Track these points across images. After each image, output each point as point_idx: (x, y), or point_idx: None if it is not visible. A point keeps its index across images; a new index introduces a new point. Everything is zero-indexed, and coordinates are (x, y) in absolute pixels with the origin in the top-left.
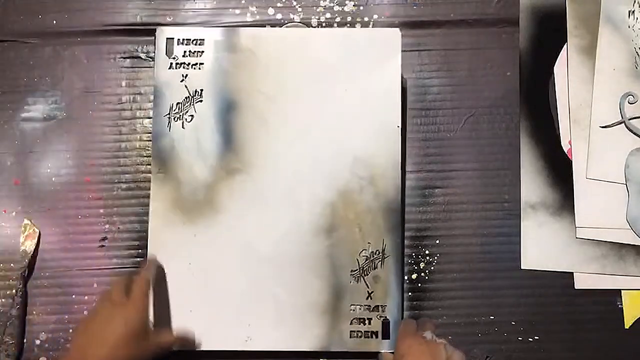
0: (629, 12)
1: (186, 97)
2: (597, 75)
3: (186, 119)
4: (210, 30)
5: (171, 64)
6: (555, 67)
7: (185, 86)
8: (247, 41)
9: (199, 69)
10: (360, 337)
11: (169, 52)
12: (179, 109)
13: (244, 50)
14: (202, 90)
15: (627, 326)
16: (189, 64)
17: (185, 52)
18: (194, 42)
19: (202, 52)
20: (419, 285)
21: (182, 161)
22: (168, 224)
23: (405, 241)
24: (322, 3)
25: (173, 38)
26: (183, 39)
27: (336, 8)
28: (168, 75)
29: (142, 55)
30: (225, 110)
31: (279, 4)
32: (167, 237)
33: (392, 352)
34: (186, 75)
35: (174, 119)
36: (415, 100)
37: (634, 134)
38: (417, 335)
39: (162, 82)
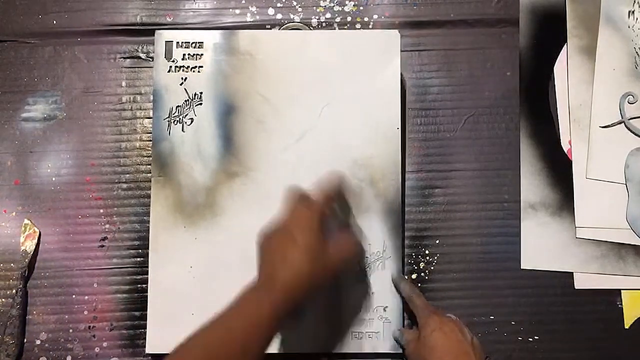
0: (629, 12)
1: (186, 101)
2: (597, 75)
3: (186, 122)
4: (209, 33)
5: (170, 67)
6: (555, 67)
7: (185, 89)
8: (246, 44)
9: (198, 72)
10: (362, 338)
11: (168, 56)
12: (178, 113)
13: (243, 52)
14: (201, 93)
15: (627, 326)
16: (188, 67)
17: (184, 55)
18: (193, 45)
19: (201, 55)
20: (419, 285)
21: (182, 164)
22: (169, 227)
23: (405, 241)
24: (322, 3)
25: (172, 41)
26: (182, 42)
27: (336, 8)
28: (167, 78)
29: (142, 55)
30: (225, 113)
31: (279, 4)
32: (168, 241)
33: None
34: (185, 78)
35: (174, 122)
36: (415, 100)
37: (634, 134)
38: (442, 315)
39: (161, 86)
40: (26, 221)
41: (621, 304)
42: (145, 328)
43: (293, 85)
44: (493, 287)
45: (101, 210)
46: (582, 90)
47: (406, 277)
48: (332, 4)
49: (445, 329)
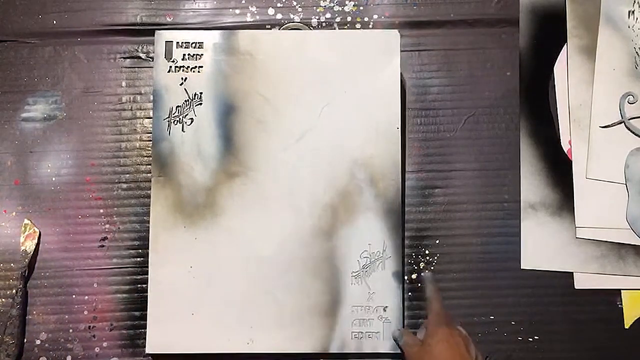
0: (629, 12)
1: (186, 101)
2: (597, 76)
3: (186, 122)
4: (209, 33)
5: (170, 67)
6: (555, 67)
7: (185, 89)
8: (246, 44)
9: (198, 72)
10: (362, 338)
11: (168, 56)
12: (178, 113)
13: (243, 52)
14: (201, 93)
15: (627, 326)
16: (188, 67)
17: (184, 55)
18: (193, 45)
19: (201, 55)
20: (419, 285)
21: (182, 164)
22: (169, 227)
23: (405, 241)
24: (322, 3)
25: (172, 41)
26: (182, 42)
27: (336, 8)
28: (167, 78)
29: (142, 55)
30: (225, 113)
31: (279, 4)
32: (168, 241)
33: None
34: (185, 78)
35: (174, 122)
36: (415, 100)
37: (634, 134)
38: (452, 327)
39: (161, 86)
40: (26, 221)
41: (621, 304)
42: (145, 328)
43: (293, 85)
44: (493, 287)
45: (101, 210)
46: (582, 90)
47: (431, 275)
48: (332, 4)
49: (451, 341)
